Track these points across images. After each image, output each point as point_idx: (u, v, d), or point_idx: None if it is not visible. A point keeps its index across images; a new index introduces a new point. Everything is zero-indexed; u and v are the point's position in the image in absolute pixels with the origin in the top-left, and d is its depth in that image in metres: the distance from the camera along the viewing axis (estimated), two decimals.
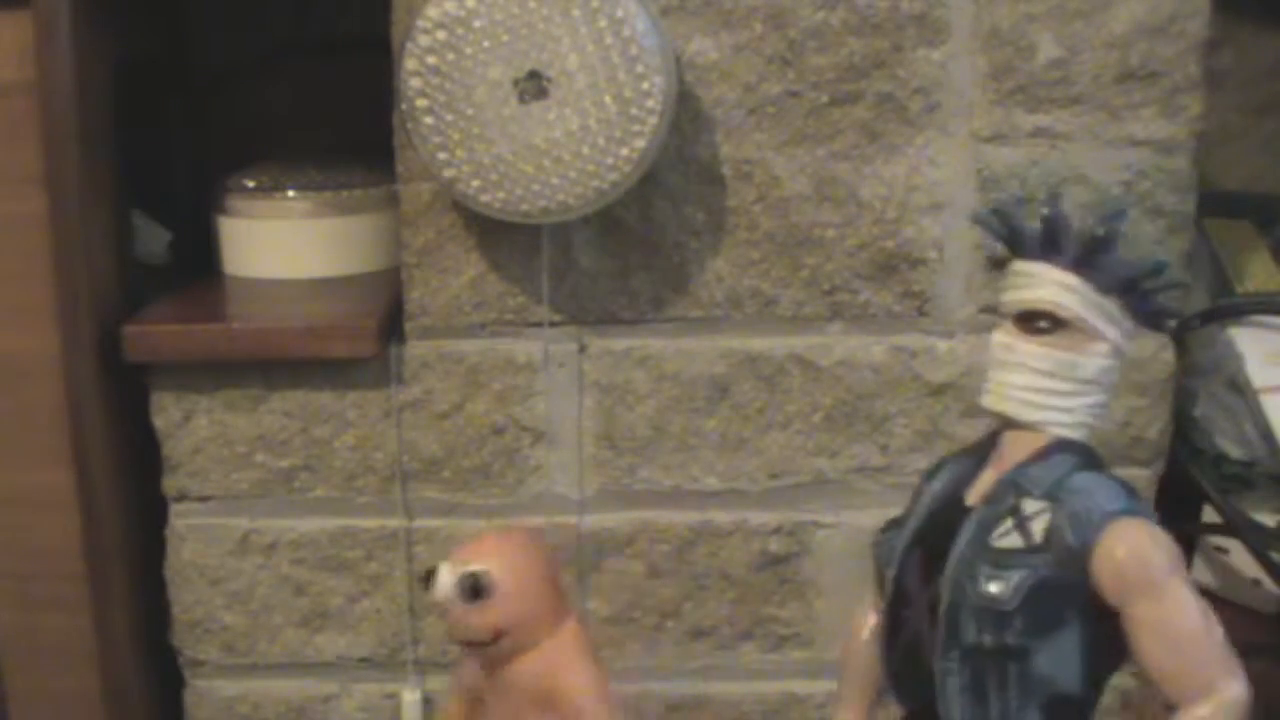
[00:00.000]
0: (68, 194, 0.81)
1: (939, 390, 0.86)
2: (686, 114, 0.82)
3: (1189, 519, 0.90)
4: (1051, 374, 0.60)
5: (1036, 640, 0.58)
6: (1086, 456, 0.61)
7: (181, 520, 0.89)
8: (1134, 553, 0.57)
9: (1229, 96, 1.08)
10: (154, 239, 0.95)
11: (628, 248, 0.84)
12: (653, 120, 0.76)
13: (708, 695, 0.91)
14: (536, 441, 0.87)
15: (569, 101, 0.76)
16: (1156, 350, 0.85)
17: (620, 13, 0.75)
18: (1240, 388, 0.88)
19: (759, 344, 0.86)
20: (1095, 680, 0.60)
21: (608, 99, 0.76)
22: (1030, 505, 0.60)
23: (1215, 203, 0.98)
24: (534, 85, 0.76)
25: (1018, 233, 0.63)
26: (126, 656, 0.89)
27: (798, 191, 0.83)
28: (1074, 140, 0.82)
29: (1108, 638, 0.58)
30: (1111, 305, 0.60)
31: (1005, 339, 0.62)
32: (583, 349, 0.86)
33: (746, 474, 0.87)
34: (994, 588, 0.58)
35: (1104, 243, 0.60)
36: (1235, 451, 0.88)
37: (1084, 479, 0.59)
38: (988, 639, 0.58)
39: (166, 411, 0.87)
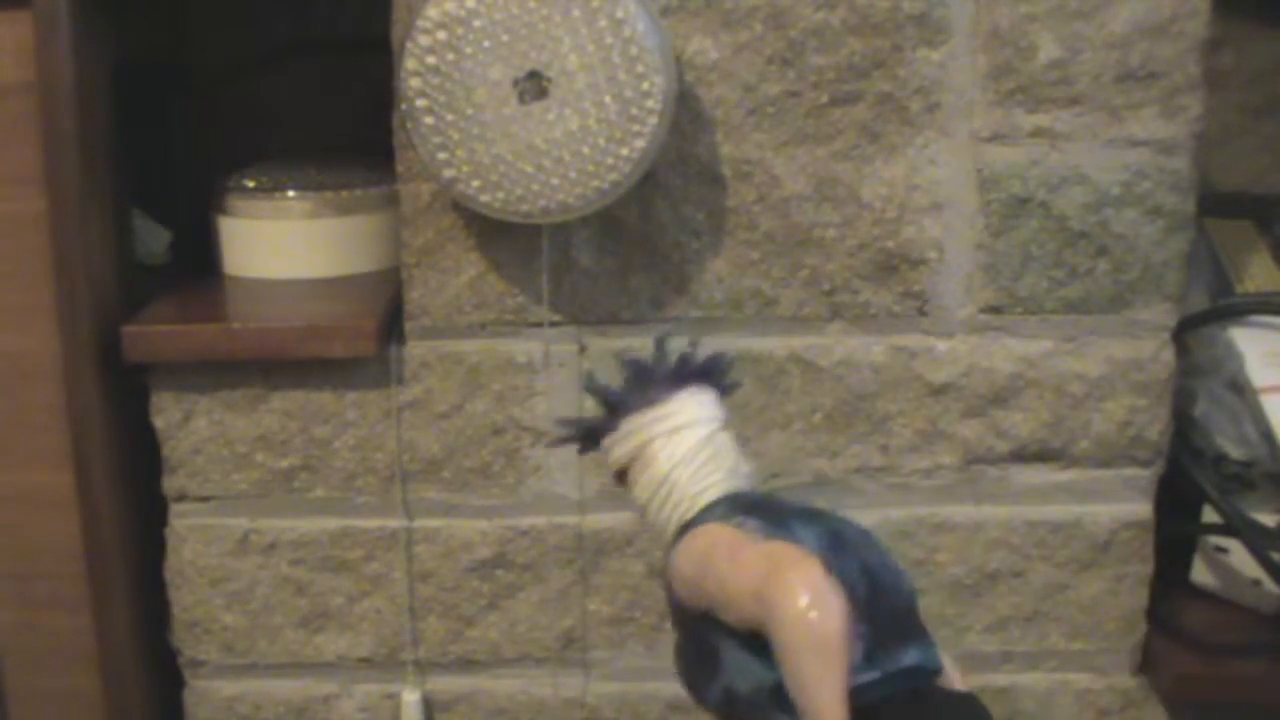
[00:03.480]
0: (68, 194, 0.81)
1: (939, 390, 0.86)
2: (686, 114, 0.82)
3: (1189, 519, 0.90)
4: (649, 500, 0.62)
5: (720, 679, 0.57)
6: (691, 523, 0.60)
7: (181, 520, 0.89)
8: (678, 581, 0.57)
9: (1229, 96, 1.08)
10: (154, 239, 0.95)
11: (628, 248, 0.84)
12: (653, 120, 0.76)
13: None
14: (536, 441, 0.87)
15: (569, 101, 0.76)
16: (1156, 350, 0.85)
17: (620, 13, 0.75)
18: (1240, 388, 0.88)
19: (759, 344, 0.86)
20: None
21: (608, 99, 0.76)
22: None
23: (1215, 203, 0.98)
24: (534, 85, 0.76)
25: (583, 438, 0.65)
26: (126, 656, 0.89)
27: (798, 191, 0.83)
28: (1074, 140, 0.82)
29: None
30: (628, 424, 0.62)
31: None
32: (583, 349, 0.86)
33: None
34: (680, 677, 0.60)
35: (593, 398, 0.63)
36: (1235, 451, 0.88)
37: (670, 551, 0.60)
38: (710, 708, 0.58)
39: (166, 411, 0.87)
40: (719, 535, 0.57)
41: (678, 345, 0.63)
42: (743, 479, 0.63)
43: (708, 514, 0.60)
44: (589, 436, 0.65)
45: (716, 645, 0.57)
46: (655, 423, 0.63)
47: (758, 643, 0.55)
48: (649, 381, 0.64)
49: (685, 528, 0.60)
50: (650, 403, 0.63)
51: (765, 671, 0.55)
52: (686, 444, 0.63)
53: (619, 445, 0.63)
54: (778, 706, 0.56)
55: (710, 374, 0.65)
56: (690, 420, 0.64)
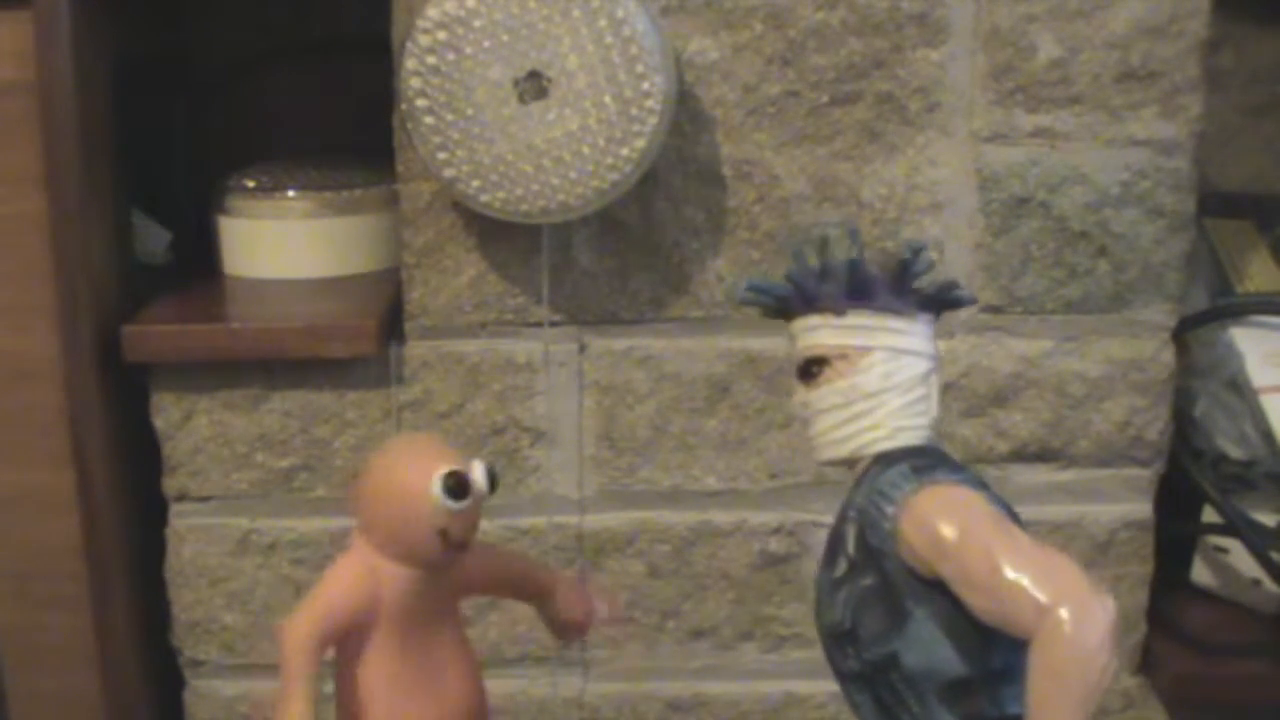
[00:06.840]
0: (68, 194, 0.81)
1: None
2: (686, 114, 0.82)
3: (1189, 519, 0.90)
4: (838, 406, 0.59)
5: (892, 643, 0.56)
6: (901, 457, 0.58)
7: (181, 520, 0.89)
8: (920, 530, 0.54)
9: (1229, 96, 1.08)
10: (154, 239, 0.95)
11: (628, 248, 0.84)
12: (653, 120, 0.76)
13: (708, 695, 0.91)
14: (536, 441, 0.87)
15: (569, 101, 0.76)
16: (1156, 350, 0.85)
17: (620, 13, 0.75)
18: (1240, 388, 0.88)
19: (759, 344, 0.86)
20: (978, 651, 0.55)
21: (608, 99, 0.76)
22: (847, 529, 0.59)
23: (1215, 203, 0.98)
24: (534, 85, 0.76)
25: (779, 299, 0.62)
26: (126, 656, 0.89)
27: (798, 191, 0.83)
28: (1074, 140, 0.82)
29: (958, 607, 0.54)
30: (858, 318, 0.59)
31: (798, 396, 0.62)
32: (583, 349, 0.86)
33: (746, 474, 0.87)
34: (831, 616, 0.58)
35: (819, 273, 0.59)
36: (1235, 451, 0.88)
37: (881, 479, 0.57)
38: (853, 663, 0.58)
39: (166, 411, 0.87)
40: (982, 507, 0.54)
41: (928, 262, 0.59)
42: (937, 432, 0.60)
43: (924, 462, 0.57)
44: (799, 303, 0.60)
45: (911, 611, 0.55)
46: (889, 333, 0.59)
47: (967, 632, 0.54)
48: (903, 289, 0.59)
49: (886, 461, 0.57)
50: (891, 310, 0.59)
51: (954, 662, 0.55)
52: (909, 371, 0.59)
53: (831, 332, 0.59)
54: (945, 701, 0.55)
55: (950, 308, 0.60)
56: (921, 350, 0.60)
